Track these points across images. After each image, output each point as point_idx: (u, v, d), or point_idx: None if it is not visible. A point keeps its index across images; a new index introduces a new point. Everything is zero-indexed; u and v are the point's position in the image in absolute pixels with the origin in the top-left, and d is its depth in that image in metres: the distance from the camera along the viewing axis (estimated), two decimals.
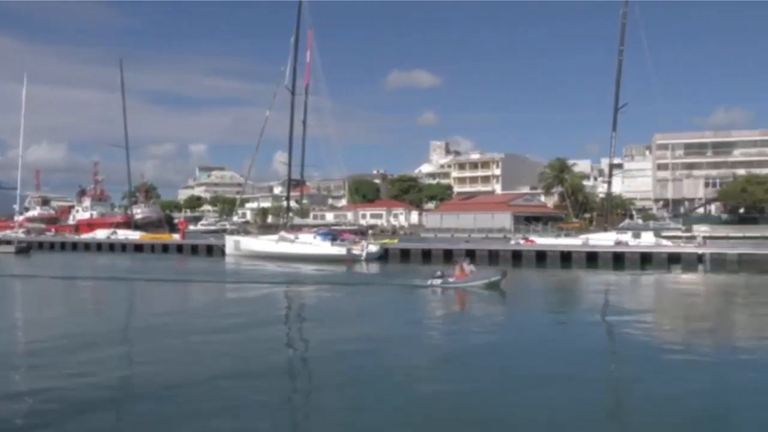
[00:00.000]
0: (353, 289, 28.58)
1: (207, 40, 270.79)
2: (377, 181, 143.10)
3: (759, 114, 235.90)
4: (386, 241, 53.07)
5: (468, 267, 26.12)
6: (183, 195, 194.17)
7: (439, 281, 25.72)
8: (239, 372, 12.12)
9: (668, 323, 20.09)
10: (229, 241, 50.10)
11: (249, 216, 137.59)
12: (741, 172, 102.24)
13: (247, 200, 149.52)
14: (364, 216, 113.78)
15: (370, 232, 62.05)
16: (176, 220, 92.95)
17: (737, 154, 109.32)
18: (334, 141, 54.49)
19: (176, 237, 61.66)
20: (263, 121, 52.23)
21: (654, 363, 13.51)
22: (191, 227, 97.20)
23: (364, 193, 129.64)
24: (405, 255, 46.16)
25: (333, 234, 47.88)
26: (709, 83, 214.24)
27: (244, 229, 65.71)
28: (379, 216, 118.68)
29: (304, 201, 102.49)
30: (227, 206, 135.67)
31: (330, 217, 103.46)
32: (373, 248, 44.76)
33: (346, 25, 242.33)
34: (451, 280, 25.65)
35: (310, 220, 67.94)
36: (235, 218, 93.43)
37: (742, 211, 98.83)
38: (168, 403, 10.28)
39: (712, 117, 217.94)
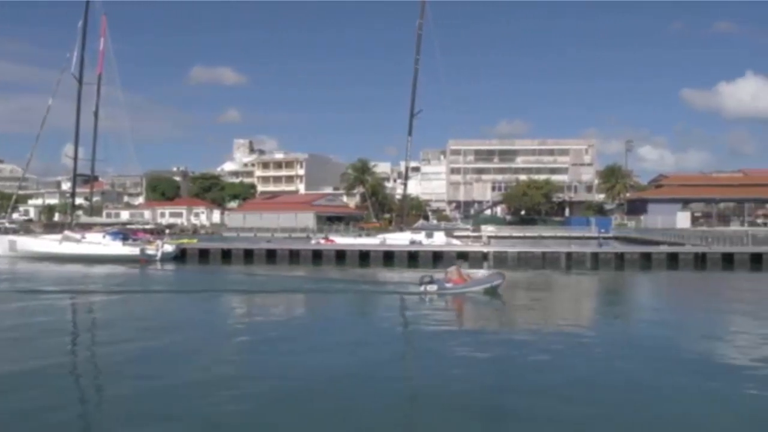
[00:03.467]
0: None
1: None
2: (177, 178, 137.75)
3: (536, 125, 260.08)
4: (184, 240, 51.20)
5: (464, 271, 25.06)
6: None
7: (434, 287, 23.81)
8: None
9: (451, 315, 21.38)
10: (3, 241, 45.49)
11: (33, 214, 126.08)
12: (523, 177, 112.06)
13: (31, 197, 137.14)
14: (162, 214, 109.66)
15: (167, 231, 59.67)
16: None
17: (519, 161, 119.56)
18: (128, 135, 51.42)
19: None
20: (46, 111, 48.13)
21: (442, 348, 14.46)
22: None
23: (162, 190, 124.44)
24: (204, 255, 44.85)
25: (124, 233, 45.33)
26: (495, 94, 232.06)
27: (25, 228, 60.14)
28: (179, 215, 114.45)
29: (96, 198, 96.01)
30: (5, 202, 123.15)
31: (125, 215, 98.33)
32: (169, 248, 43.01)
33: (144, 14, 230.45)
34: (448, 285, 24.00)
35: (101, 219, 63.70)
36: (15, 215, 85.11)
37: (523, 212, 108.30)
38: None
39: (498, 126, 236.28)
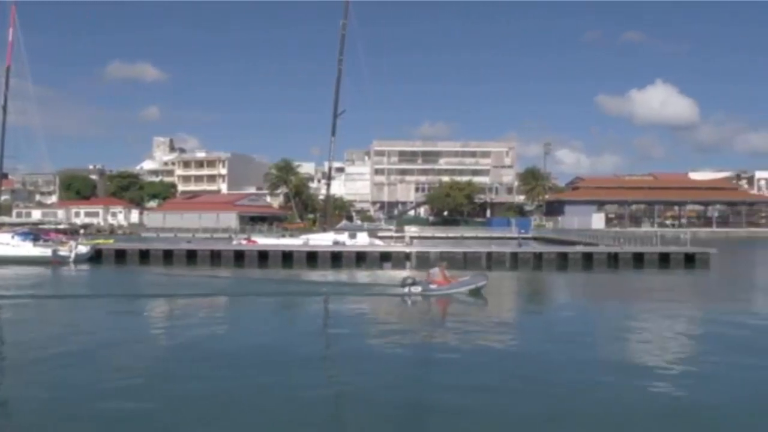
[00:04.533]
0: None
1: None
2: (94, 177, 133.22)
3: (458, 127, 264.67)
4: (100, 241, 49.50)
5: (447, 273, 24.48)
6: None
7: (418, 288, 23.45)
8: None
9: (371, 313, 21.51)
10: None
11: None
12: (445, 179, 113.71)
13: None
14: (77, 214, 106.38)
15: (81, 231, 57.59)
16: None
17: (442, 163, 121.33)
18: (39, 131, 49.54)
19: None
20: None
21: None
22: None
23: (78, 189, 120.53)
24: (121, 256, 43.44)
25: (35, 233, 43.43)
26: (418, 96, 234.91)
27: None
28: (96, 214, 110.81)
29: (5, 197, 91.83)
30: None
31: (37, 214, 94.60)
32: (83, 249, 41.38)
33: (59, 7, 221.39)
34: (433, 287, 23.59)
35: (9, 218, 60.93)
36: None
37: (446, 213, 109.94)
38: None
39: (421, 128, 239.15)
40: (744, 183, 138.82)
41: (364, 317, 20.95)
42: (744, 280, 36.78)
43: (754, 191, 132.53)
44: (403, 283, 23.87)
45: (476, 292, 24.11)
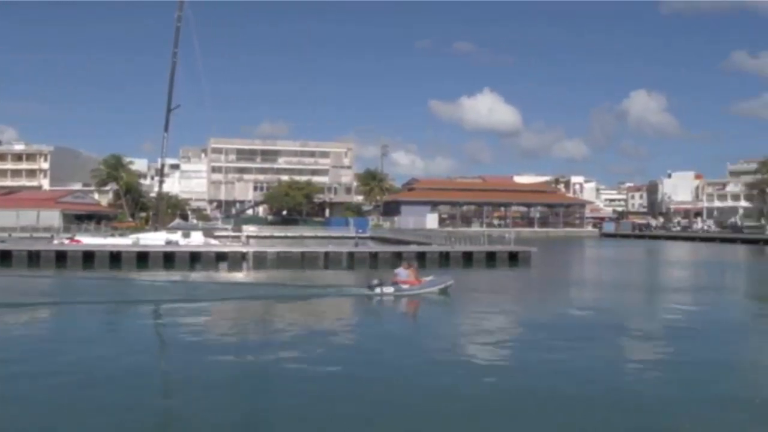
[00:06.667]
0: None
1: None
2: None
3: (298, 127, 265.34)
4: None
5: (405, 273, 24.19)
6: None
7: (390, 289, 23.49)
8: None
9: (211, 315, 21.06)
10: None
11: None
12: (285, 178, 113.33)
13: None
14: None
15: None
16: None
17: (282, 162, 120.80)
18: None
19: None
20: None
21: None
22: None
23: None
24: None
25: None
26: (256, 95, 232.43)
27: None
28: None
29: None
30: None
31: None
32: None
33: None
34: (405, 287, 23.74)
35: None
36: None
37: (285, 213, 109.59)
38: None
39: (259, 127, 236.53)
40: (561, 186, 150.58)
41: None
42: (559, 277, 39.88)
43: (570, 194, 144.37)
44: (370, 285, 24.00)
45: (444, 291, 24.87)
